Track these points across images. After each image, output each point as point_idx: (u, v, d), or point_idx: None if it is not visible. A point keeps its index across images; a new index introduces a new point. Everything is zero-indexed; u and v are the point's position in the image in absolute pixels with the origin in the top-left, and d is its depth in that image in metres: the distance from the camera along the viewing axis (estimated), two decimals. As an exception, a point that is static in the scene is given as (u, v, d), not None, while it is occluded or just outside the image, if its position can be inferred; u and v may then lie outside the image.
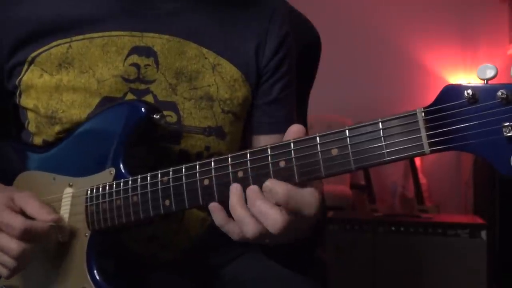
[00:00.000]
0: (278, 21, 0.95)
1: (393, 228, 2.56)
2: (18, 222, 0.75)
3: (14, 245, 0.75)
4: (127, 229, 0.84)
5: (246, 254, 0.98)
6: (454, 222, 2.54)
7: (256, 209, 0.64)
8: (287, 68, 0.96)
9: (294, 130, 0.66)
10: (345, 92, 4.56)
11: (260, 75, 0.94)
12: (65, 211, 0.83)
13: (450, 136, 0.56)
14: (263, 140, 0.94)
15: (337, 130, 0.62)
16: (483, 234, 2.44)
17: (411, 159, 3.69)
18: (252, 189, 0.65)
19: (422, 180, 3.91)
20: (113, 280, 0.79)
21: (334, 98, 4.28)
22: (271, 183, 0.64)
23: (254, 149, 0.67)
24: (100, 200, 0.79)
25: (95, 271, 0.79)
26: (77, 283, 0.80)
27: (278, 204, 0.63)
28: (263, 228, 0.64)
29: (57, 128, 0.87)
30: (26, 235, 0.75)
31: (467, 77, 4.48)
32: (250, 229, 0.64)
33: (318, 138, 0.63)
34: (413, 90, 4.60)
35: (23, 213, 0.78)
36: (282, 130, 0.71)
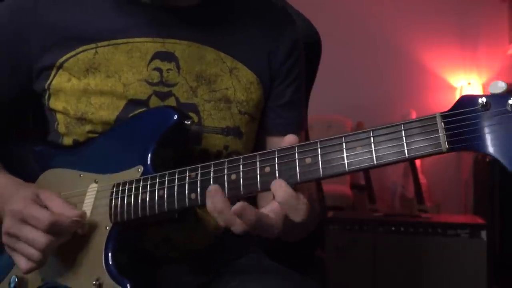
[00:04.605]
0: (290, 27, 1.01)
1: (393, 228, 2.57)
2: (46, 215, 0.78)
3: (42, 238, 0.77)
4: (145, 227, 0.87)
5: (247, 254, 1.00)
6: (454, 222, 2.55)
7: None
8: (298, 71, 1.00)
9: (288, 142, 0.71)
10: (345, 92, 4.56)
11: (273, 79, 0.98)
12: (88, 204, 0.86)
13: (464, 137, 0.62)
14: (277, 141, 0.97)
15: (362, 131, 0.68)
16: (483, 234, 2.44)
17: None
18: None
19: (422, 180, 3.91)
20: (127, 272, 0.80)
21: (334, 98, 4.28)
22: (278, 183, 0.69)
23: (282, 148, 0.71)
24: (126, 194, 0.82)
25: (111, 263, 0.80)
26: (92, 273, 0.81)
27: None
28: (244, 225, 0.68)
29: (88, 127, 0.91)
30: (52, 228, 0.77)
31: (467, 77, 4.48)
32: (237, 228, 0.69)
33: (344, 138, 0.68)
34: (413, 90, 4.60)
35: (47, 209, 0.80)
36: (294, 131, 0.74)
